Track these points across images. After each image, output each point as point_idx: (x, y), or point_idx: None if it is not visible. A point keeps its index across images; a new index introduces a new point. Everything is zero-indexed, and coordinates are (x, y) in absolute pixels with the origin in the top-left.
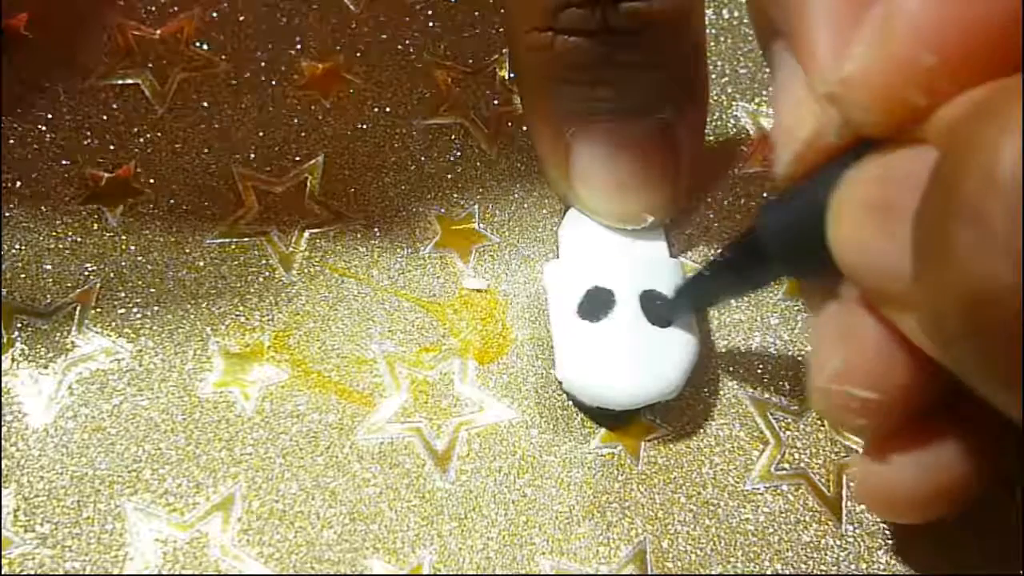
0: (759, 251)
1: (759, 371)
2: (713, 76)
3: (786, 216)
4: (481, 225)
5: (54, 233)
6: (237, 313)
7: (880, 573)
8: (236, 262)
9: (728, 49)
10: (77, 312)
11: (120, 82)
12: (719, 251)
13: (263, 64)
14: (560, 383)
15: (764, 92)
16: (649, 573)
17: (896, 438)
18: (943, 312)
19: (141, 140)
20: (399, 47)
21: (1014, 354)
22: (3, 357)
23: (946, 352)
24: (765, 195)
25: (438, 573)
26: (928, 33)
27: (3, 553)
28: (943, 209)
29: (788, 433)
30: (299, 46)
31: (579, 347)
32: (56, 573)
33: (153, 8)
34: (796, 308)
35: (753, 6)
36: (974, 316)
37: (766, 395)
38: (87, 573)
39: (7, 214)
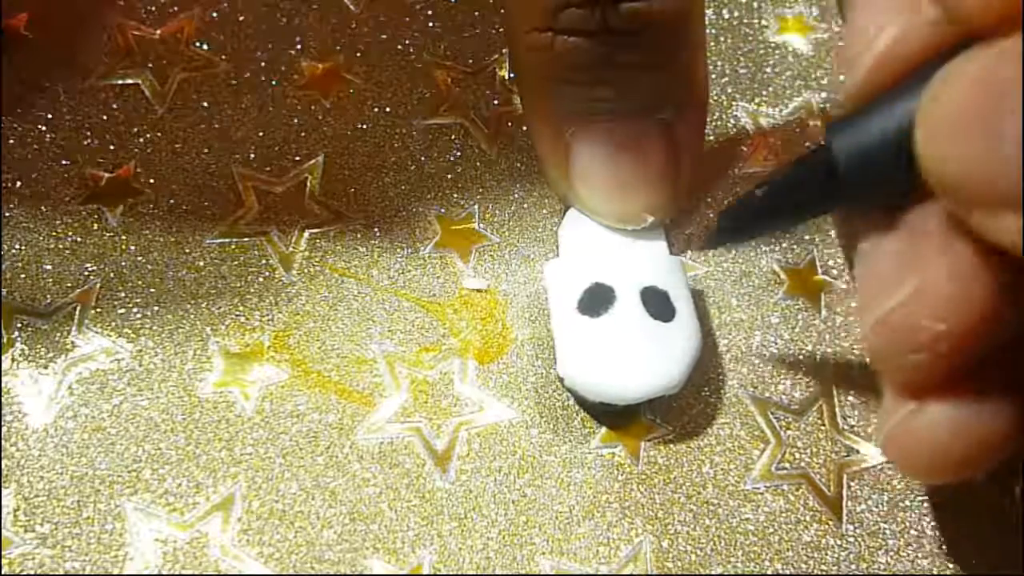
0: (827, 173)
1: (760, 370)
2: (713, 76)
3: (863, 132)
4: (481, 225)
5: (54, 233)
6: (237, 313)
7: (880, 573)
8: (236, 262)
9: (728, 49)
10: (77, 312)
11: (120, 82)
12: (773, 171)
13: (263, 64)
14: (561, 380)
15: (764, 92)
16: (649, 573)
17: (942, 385)
18: None
19: (141, 140)
20: (399, 47)
21: None
22: (3, 357)
23: None
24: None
25: (438, 573)
26: None
27: (3, 553)
28: None
29: (788, 433)
30: (299, 46)
31: (580, 343)
32: (56, 573)
33: (153, 8)
34: (797, 307)
35: None
36: None
37: (767, 394)
38: (87, 573)
39: (7, 214)
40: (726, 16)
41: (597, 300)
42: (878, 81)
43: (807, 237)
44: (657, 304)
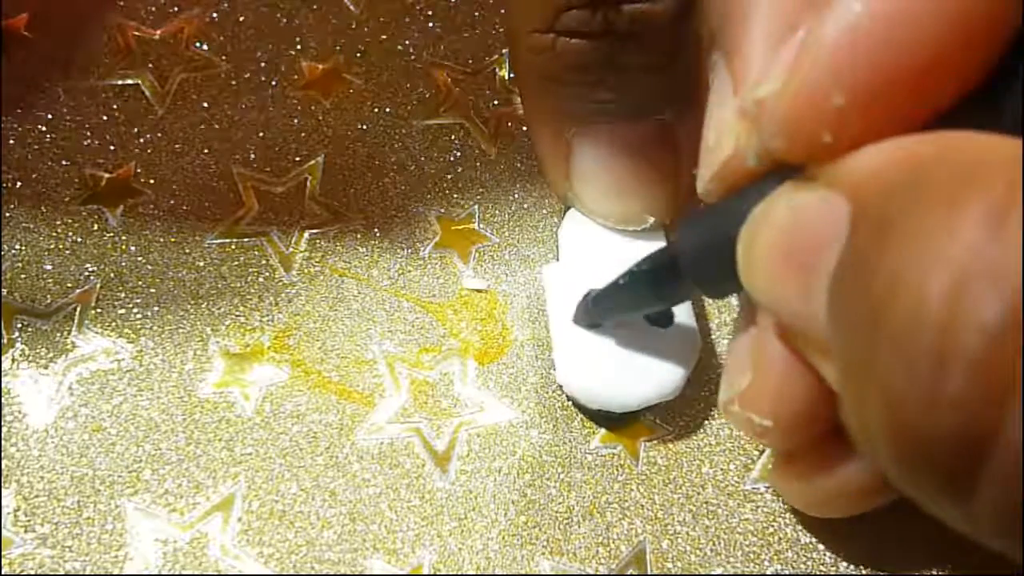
0: (674, 267)
1: None
2: None
3: (701, 236)
4: (481, 225)
5: (54, 233)
6: (237, 313)
7: (880, 573)
8: (236, 262)
9: None
10: (77, 312)
11: (120, 82)
12: (636, 262)
13: (263, 64)
14: (560, 387)
15: None
16: (649, 573)
17: (796, 458)
18: (865, 425)
19: (141, 140)
20: (399, 47)
21: (938, 484)
22: (3, 357)
23: (864, 448)
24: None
25: (438, 573)
26: (839, 72)
27: (3, 553)
28: (869, 330)
29: None
30: (299, 46)
31: (579, 351)
32: (56, 573)
33: (153, 8)
34: None
35: (697, 13)
36: (897, 448)
37: None
38: (87, 573)
39: (7, 214)
40: None
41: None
42: (718, 190)
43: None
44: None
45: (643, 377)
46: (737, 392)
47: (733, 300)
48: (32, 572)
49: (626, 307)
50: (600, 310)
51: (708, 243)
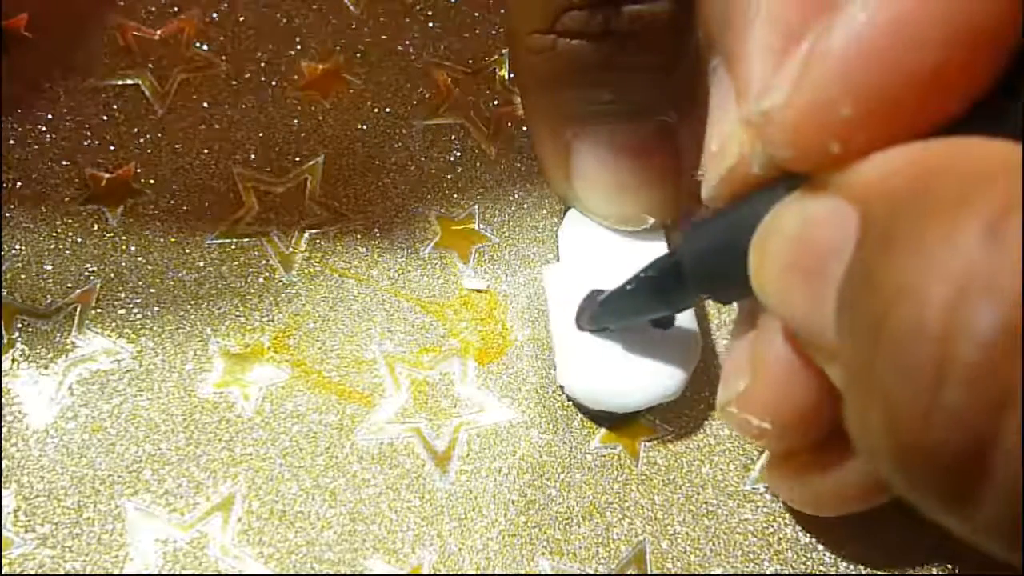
0: (679, 272)
1: None
2: None
3: (707, 242)
4: (481, 225)
5: (54, 233)
6: (237, 313)
7: (880, 573)
8: (236, 262)
9: None
10: (77, 312)
11: (120, 82)
12: (642, 268)
13: (263, 64)
14: (561, 388)
15: None
16: (649, 573)
17: (793, 459)
18: (868, 435)
19: (141, 140)
20: (399, 48)
21: (941, 494)
22: (4, 358)
23: (867, 458)
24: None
25: (438, 573)
26: (847, 83)
27: (3, 553)
28: (871, 340)
29: None
30: (299, 46)
31: (579, 352)
32: (56, 573)
33: (153, 9)
34: None
35: (698, 18)
36: (899, 458)
37: None
38: (87, 573)
39: (7, 214)
40: None
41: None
42: (723, 198)
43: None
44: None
45: (644, 378)
46: (735, 394)
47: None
48: (32, 572)
49: (632, 312)
50: (606, 315)
51: (715, 250)
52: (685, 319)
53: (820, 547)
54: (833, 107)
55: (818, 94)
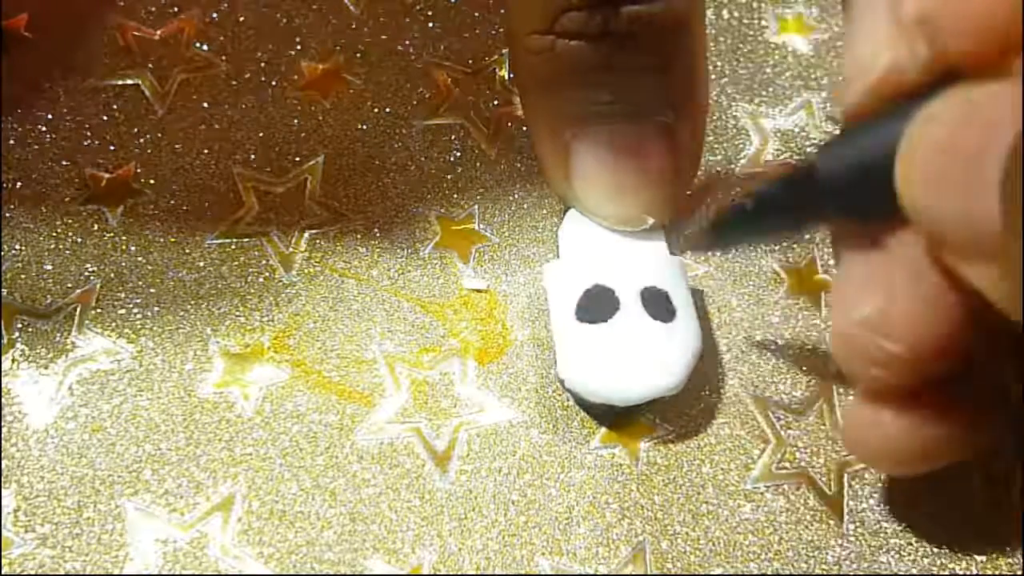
0: (815, 188)
1: (760, 370)
2: (713, 76)
3: (850, 154)
4: (481, 225)
5: (54, 234)
6: (237, 313)
7: (881, 573)
8: (236, 262)
9: (728, 49)
10: (77, 312)
11: (120, 82)
12: (763, 186)
13: (263, 64)
14: (562, 382)
15: (764, 92)
16: (649, 573)
17: (900, 396)
18: None
19: (141, 140)
20: (399, 48)
21: None
22: (4, 358)
23: None
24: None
25: (438, 573)
26: None
27: (3, 553)
28: None
29: (789, 432)
30: (299, 46)
31: (580, 345)
32: (56, 573)
33: (153, 9)
34: (797, 307)
35: None
36: None
37: (767, 394)
38: (87, 573)
39: (7, 214)
40: (726, 16)
41: (597, 304)
42: (870, 106)
43: (807, 236)
44: (657, 305)
45: (645, 371)
46: (862, 317)
47: (733, 301)
48: (32, 572)
49: (750, 233)
50: (718, 236)
51: (859, 162)
52: (686, 313)
53: (820, 547)
54: None
55: None
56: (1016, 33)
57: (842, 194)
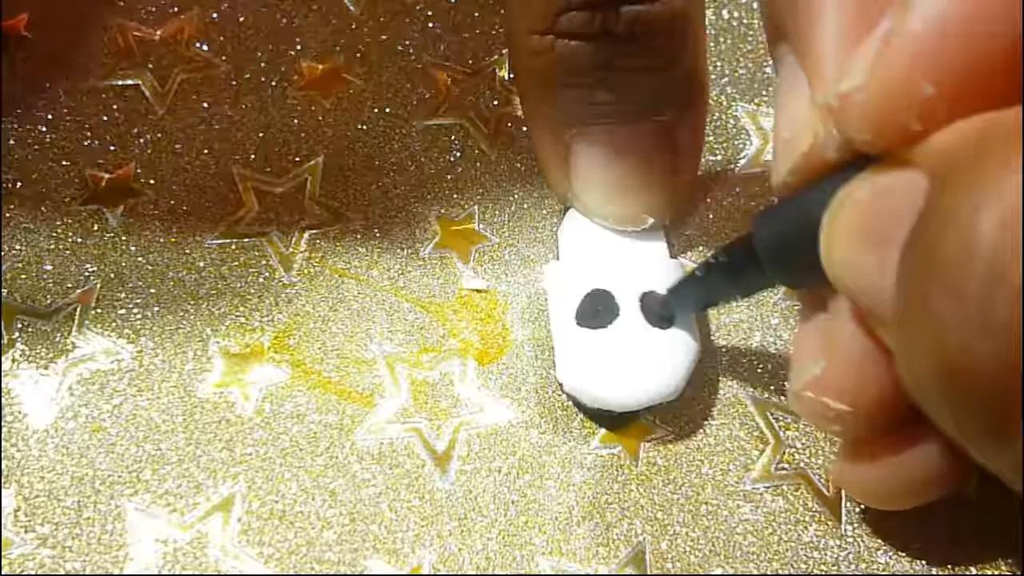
0: (753, 257)
1: (759, 371)
2: (713, 76)
3: (781, 225)
4: (481, 225)
5: (54, 234)
6: (237, 314)
7: (880, 573)
8: (236, 262)
9: (728, 49)
10: (77, 313)
11: (120, 83)
12: (712, 254)
13: (263, 65)
14: (561, 386)
15: (764, 92)
16: (648, 573)
17: (869, 445)
18: (916, 365)
19: (141, 141)
20: (399, 48)
21: (986, 420)
22: (4, 358)
23: (918, 398)
24: (758, 206)
25: (438, 573)
26: (928, 62)
27: (3, 554)
28: (924, 270)
29: (788, 433)
30: (299, 47)
31: (580, 350)
32: (56, 573)
33: (153, 9)
34: (796, 308)
35: (764, 5)
36: (947, 382)
37: (766, 395)
38: (87, 573)
39: (7, 215)
40: (726, 16)
41: (597, 309)
42: (796, 182)
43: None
44: (656, 311)
45: (643, 377)
46: (811, 379)
47: (723, 304)
48: (32, 572)
49: (702, 300)
50: (674, 303)
51: (788, 232)
52: (685, 319)
53: (820, 547)
54: (915, 86)
55: (899, 73)
56: (908, 125)
57: (776, 263)
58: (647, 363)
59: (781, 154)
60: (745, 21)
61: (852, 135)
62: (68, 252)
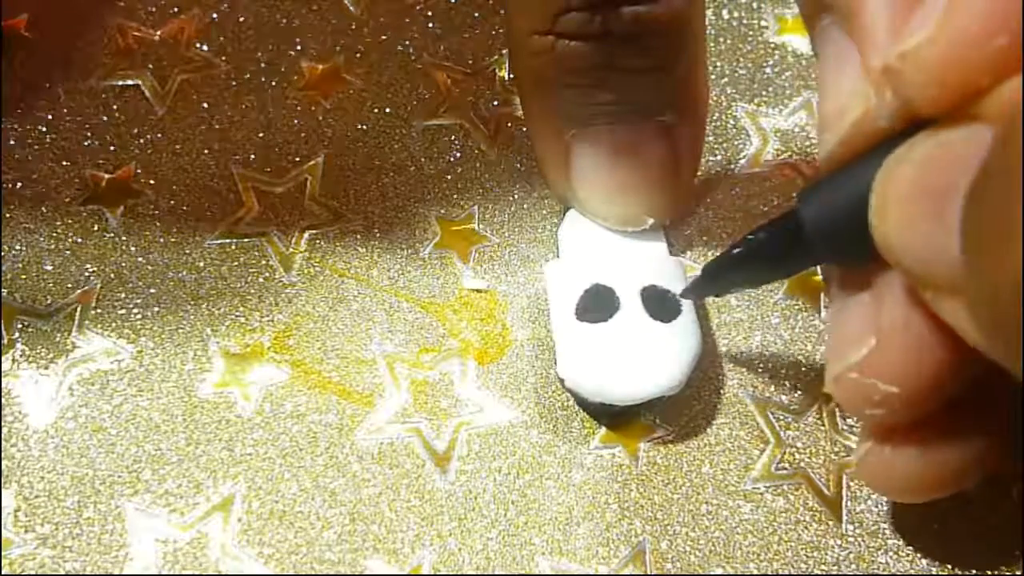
0: (798, 235)
1: (759, 371)
2: (713, 76)
3: (829, 200)
4: (481, 225)
5: (54, 234)
6: (237, 314)
7: (880, 573)
8: (236, 263)
9: (728, 49)
10: (77, 313)
11: (120, 83)
12: (750, 233)
13: (263, 65)
14: (562, 381)
15: (764, 92)
16: (648, 573)
17: (904, 429)
18: (998, 294)
19: (141, 141)
20: (399, 48)
21: None
22: (4, 358)
23: (993, 338)
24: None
25: (438, 573)
26: (1002, 11)
27: (3, 554)
28: (1006, 189)
29: (788, 433)
30: (299, 47)
31: (580, 344)
32: (56, 574)
33: (153, 9)
34: (797, 307)
35: None
36: None
37: (766, 395)
38: (87, 574)
39: (7, 215)
40: (726, 16)
41: (597, 301)
42: (844, 155)
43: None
44: (657, 305)
45: (645, 371)
46: (855, 361)
47: (733, 301)
48: (32, 572)
49: (739, 281)
50: (709, 284)
51: (838, 204)
52: (686, 314)
53: (820, 547)
54: (987, 38)
55: (974, 24)
56: (977, 80)
57: (824, 239)
58: (648, 357)
59: (830, 127)
60: (745, 21)
61: (914, 95)
62: (68, 252)
